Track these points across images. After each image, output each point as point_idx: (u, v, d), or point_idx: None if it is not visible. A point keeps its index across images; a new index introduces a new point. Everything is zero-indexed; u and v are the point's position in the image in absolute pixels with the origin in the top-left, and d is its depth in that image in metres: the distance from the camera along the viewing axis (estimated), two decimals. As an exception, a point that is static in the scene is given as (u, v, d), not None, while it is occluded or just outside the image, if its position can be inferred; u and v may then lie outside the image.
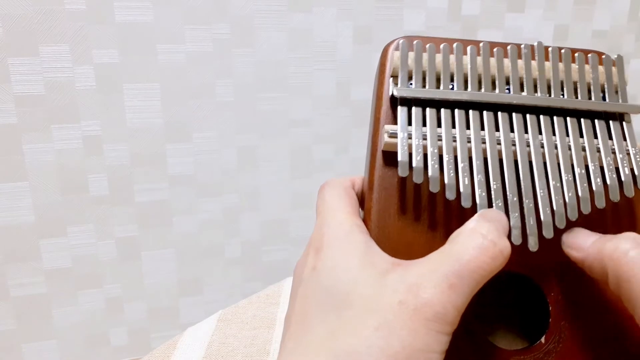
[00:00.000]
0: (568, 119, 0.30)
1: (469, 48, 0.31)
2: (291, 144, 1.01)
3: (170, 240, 1.00)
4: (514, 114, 0.30)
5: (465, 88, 0.30)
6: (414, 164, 0.28)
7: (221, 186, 1.00)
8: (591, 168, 0.29)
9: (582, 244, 0.27)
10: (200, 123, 0.95)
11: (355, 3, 0.96)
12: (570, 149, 0.30)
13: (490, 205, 0.28)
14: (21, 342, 0.96)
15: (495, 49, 0.31)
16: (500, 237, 0.25)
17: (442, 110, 0.30)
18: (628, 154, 0.30)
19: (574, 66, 0.31)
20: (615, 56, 0.32)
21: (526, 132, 0.30)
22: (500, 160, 0.29)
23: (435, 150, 0.29)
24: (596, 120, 0.31)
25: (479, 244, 0.24)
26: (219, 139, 0.97)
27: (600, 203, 0.29)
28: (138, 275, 1.00)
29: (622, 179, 0.29)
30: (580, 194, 0.29)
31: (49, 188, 0.90)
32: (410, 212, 0.29)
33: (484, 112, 0.30)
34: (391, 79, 0.31)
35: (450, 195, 0.28)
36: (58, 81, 0.86)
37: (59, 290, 0.96)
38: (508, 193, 0.28)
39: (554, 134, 0.30)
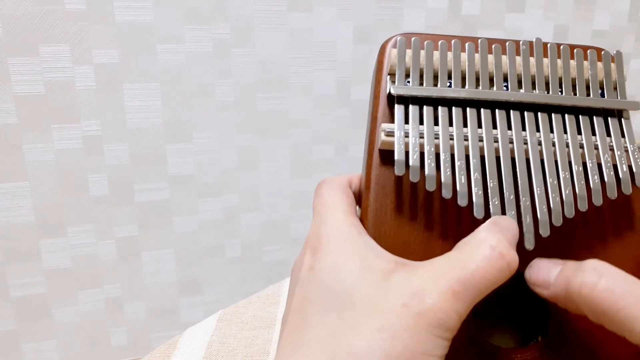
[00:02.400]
0: (566, 116, 0.30)
1: (467, 45, 0.31)
2: (291, 144, 1.01)
3: (170, 240, 1.00)
4: (511, 112, 0.30)
5: (463, 85, 0.30)
6: (410, 163, 0.28)
7: (221, 186, 1.00)
8: (589, 165, 0.29)
9: (547, 279, 0.26)
10: (200, 123, 0.95)
11: (355, 3, 0.96)
12: (568, 146, 0.29)
13: (487, 203, 0.28)
14: (21, 342, 0.96)
15: (493, 46, 0.31)
16: (509, 249, 0.25)
17: (440, 108, 0.30)
18: (626, 151, 0.30)
19: (573, 63, 0.31)
20: (614, 52, 0.32)
21: (524, 129, 0.30)
22: (498, 158, 0.29)
23: (432, 149, 0.29)
24: (594, 117, 0.30)
25: (487, 255, 0.24)
26: (219, 139, 0.97)
27: (598, 201, 0.29)
28: (138, 275, 1.00)
29: (620, 176, 0.29)
30: (577, 191, 0.28)
31: (49, 188, 0.90)
32: (407, 210, 0.29)
33: (482, 110, 0.30)
34: (388, 76, 0.31)
35: (446, 193, 0.28)
36: (58, 81, 0.86)
37: (59, 290, 0.96)
38: (505, 191, 0.28)
39: (552, 132, 0.30)
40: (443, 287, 0.24)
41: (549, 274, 0.26)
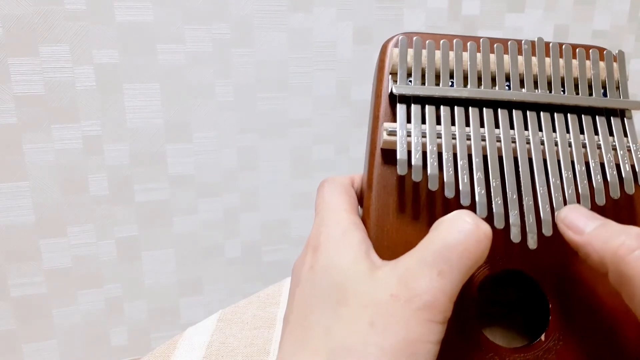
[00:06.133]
0: (568, 115, 0.30)
1: (468, 44, 0.31)
2: (291, 144, 1.01)
3: (170, 240, 1.00)
4: (514, 111, 0.30)
5: (465, 85, 0.30)
6: (413, 162, 0.28)
7: (221, 186, 1.00)
8: (591, 165, 0.29)
9: (583, 227, 0.26)
10: (200, 123, 0.95)
11: (355, 3, 0.96)
12: (570, 145, 0.29)
13: (489, 203, 0.28)
14: (21, 342, 0.96)
15: (495, 45, 0.31)
16: (482, 221, 0.25)
17: (442, 107, 0.30)
18: (629, 150, 0.30)
19: (575, 62, 0.31)
20: (617, 51, 0.32)
21: (526, 129, 0.30)
22: (500, 158, 0.29)
23: (435, 148, 0.29)
24: (597, 117, 0.30)
25: (463, 228, 0.25)
26: (219, 139, 0.97)
27: (601, 200, 0.29)
28: (138, 275, 1.00)
29: (623, 175, 0.29)
30: (580, 191, 0.29)
31: (49, 188, 0.90)
32: (409, 210, 0.29)
33: (484, 109, 0.30)
34: (390, 76, 0.31)
35: (449, 193, 0.28)
36: (58, 81, 0.86)
37: (59, 290, 0.96)
38: (507, 190, 0.28)
39: (554, 131, 0.30)
40: (427, 269, 0.24)
41: (586, 223, 0.26)
